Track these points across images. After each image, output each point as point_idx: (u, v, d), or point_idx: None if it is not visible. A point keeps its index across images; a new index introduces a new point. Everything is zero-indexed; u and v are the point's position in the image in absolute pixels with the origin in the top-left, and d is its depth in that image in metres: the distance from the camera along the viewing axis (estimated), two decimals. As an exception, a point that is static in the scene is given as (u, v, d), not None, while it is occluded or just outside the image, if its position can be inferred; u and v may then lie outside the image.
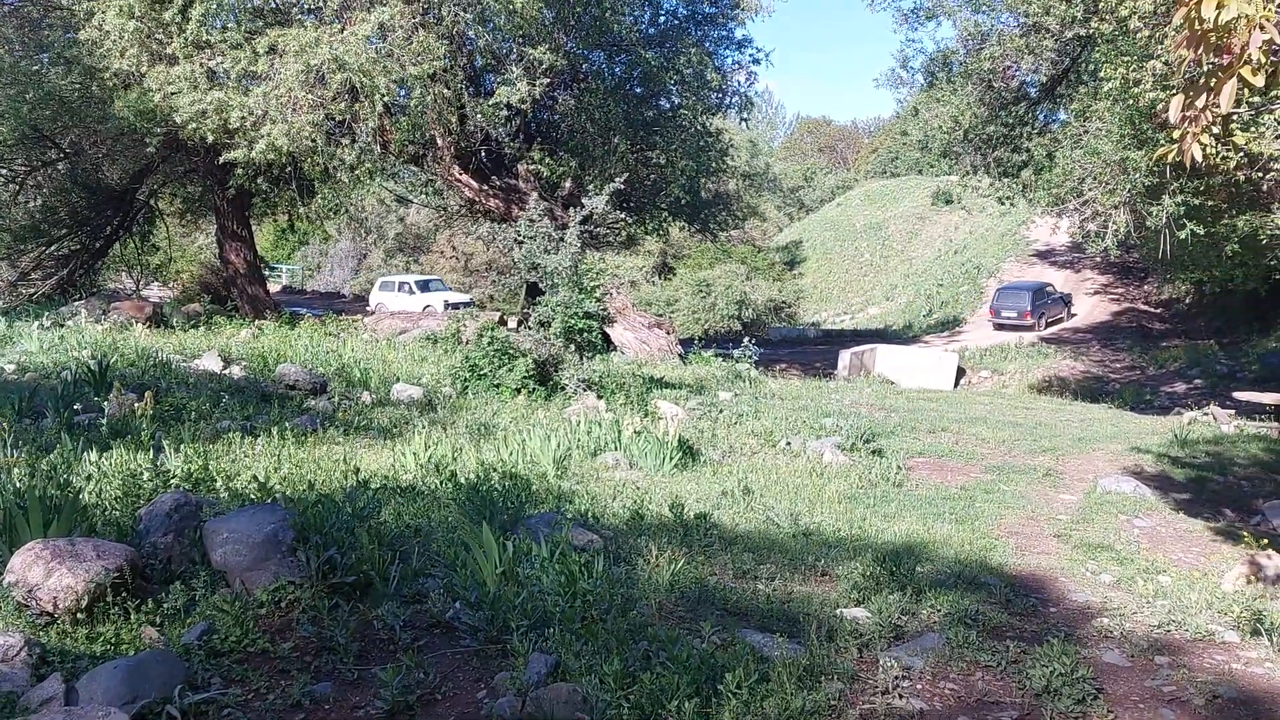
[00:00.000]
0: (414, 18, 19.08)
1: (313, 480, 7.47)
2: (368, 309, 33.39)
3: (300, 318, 21.54)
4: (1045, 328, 37.45)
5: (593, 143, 24.23)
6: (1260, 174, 14.60)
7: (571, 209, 15.61)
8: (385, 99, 18.63)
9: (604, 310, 15.57)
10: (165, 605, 4.79)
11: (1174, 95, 4.66)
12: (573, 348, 15.14)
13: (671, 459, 10.99)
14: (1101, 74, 15.79)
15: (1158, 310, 38.77)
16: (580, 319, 14.95)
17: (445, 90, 19.47)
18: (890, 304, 51.15)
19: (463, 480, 7.25)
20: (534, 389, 14.49)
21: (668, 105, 26.98)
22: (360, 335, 19.96)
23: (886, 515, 9.83)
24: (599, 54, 25.65)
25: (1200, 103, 4.53)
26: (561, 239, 15.25)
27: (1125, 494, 11.26)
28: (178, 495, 5.42)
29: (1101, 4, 15.69)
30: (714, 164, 26.97)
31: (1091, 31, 16.79)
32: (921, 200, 63.10)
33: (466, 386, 14.60)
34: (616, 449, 11.42)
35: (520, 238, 15.36)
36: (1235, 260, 18.84)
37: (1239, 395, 18.16)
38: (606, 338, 22.18)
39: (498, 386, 14.52)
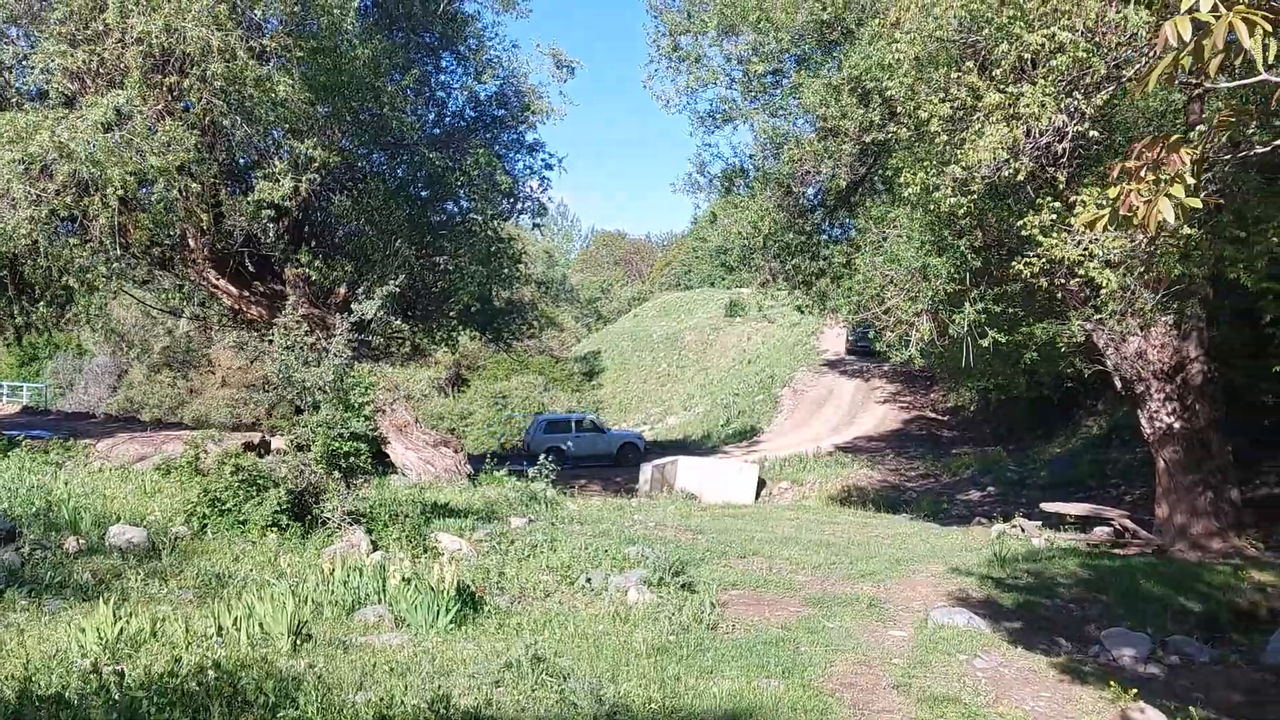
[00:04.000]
0: (159, 103, 16.90)
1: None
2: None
3: (18, 443, 18.29)
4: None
5: (372, 246, 22.36)
6: (1062, 281, 14.34)
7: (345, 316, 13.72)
8: (121, 193, 16.24)
9: (374, 430, 13.55)
10: None
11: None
12: (337, 474, 13.02)
13: (448, 612, 9.08)
14: (901, 179, 15.38)
15: (945, 417, 39.70)
16: (346, 441, 12.88)
17: (195, 185, 17.25)
18: (688, 414, 50.73)
19: (132, 682, 5.16)
20: (288, 526, 12.25)
21: (456, 209, 25.50)
22: (88, 464, 17.01)
23: (704, 670, 8.25)
24: (380, 154, 24.01)
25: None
26: (325, 349, 13.27)
27: (959, 627, 10.13)
28: None
29: (900, 108, 15.35)
30: (506, 271, 25.52)
31: (889, 136, 16.48)
32: (715, 311, 63.96)
33: (205, 525, 12.20)
34: (381, 600, 9.42)
35: (277, 350, 13.28)
36: (1029, 367, 18.76)
37: (1046, 506, 17.82)
38: (385, 458, 20.02)
39: (244, 524, 12.20)
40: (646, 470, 26.56)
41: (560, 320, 65.70)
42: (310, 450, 13.08)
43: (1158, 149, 3.62)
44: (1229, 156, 5.24)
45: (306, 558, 11.23)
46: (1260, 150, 5.46)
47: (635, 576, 11.36)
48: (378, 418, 19.13)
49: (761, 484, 29.30)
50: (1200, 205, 3.64)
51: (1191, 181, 3.54)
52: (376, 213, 22.14)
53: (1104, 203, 4.02)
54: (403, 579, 9.36)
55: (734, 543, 15.06)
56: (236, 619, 7.60)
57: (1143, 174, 3.66)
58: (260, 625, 7.50)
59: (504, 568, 11.67)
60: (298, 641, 7.46)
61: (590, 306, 78.66)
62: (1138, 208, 3.58)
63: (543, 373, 46.24)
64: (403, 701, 5.73)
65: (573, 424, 35.08)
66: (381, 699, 5.66)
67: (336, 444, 12.84)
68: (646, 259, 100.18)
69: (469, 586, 9.81)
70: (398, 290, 14.54)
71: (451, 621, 9.01)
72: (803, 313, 24.78)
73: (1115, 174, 3.91)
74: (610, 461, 34.29)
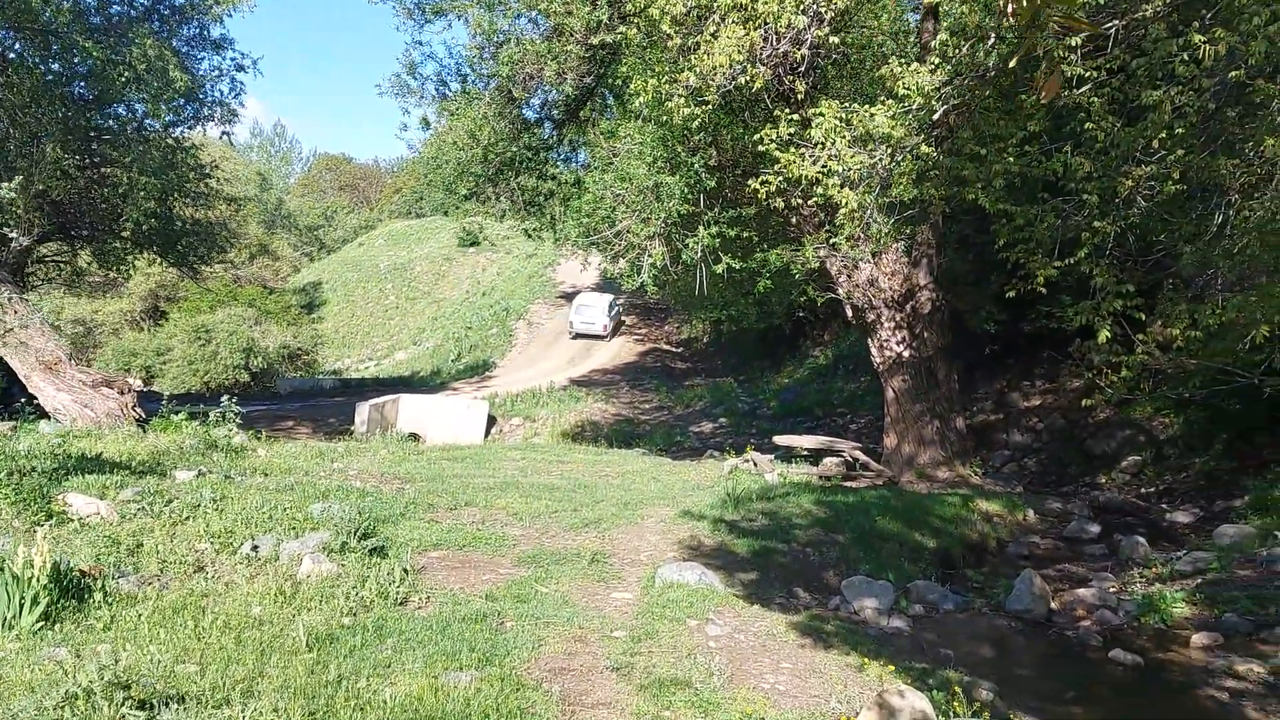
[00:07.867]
0: None
1: None
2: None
3: None
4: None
5: (17, 151, 18.66)
6: (799, 202, 13.37)
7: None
8: None
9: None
10: None
11: None
12: (-73, 426, 10.22)
13: (35, 605, 6.86)
14: (631, 88, 13.89)
15: (679, 350, 39.46)
16: (-63, 383, 10.09)
17: None
18: (418, 349, 48.24)
19: None
20: None
21: (128, 113, 21.87)
22: None
23: (379, 666, 6.54)
24: (25, 43, 20.06)
25: None
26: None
27: (689, 586, 8.89)
28: None
29: (630, 7, 13.79)
30: (190, 185, 22.24)
31: (619, 38, 14.90)
32: (447, 242, 61.29)
33: None
34: (-56, 594, 7.03)
35: None
36: (761, 296, 18.00)
37: (779, 439, 17.20)
38: (33, 401, 16.78)
39: None
40: (363, 410, 24.21)
41: (275, 248, 60.83)
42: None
43: None
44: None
45: None
46: None
47: (315, 541, 9.44)
48: (15, 354, 15.98)
49: (492, 421, 27.72)
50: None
51: None
52: (21, 111, 18.50)
53: None
54: (-25, 565, 7.01)
55: (446, 491, 13.31)
56: None
57: None
58: None
59: (145, 536, 9.39)
60: None
61: (311, 234, 73.45)
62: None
63: (254, 304, 42.08)
64: None
65: None
66: None
67: (-78, 387, 10.06)
68: (375, 185, 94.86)
69: (75, 568, 7.57)
70: (14, 194, 11.57)
71: (42, 618, 6.82)
72: (530, 237, 23.03)
73: None
74: None
